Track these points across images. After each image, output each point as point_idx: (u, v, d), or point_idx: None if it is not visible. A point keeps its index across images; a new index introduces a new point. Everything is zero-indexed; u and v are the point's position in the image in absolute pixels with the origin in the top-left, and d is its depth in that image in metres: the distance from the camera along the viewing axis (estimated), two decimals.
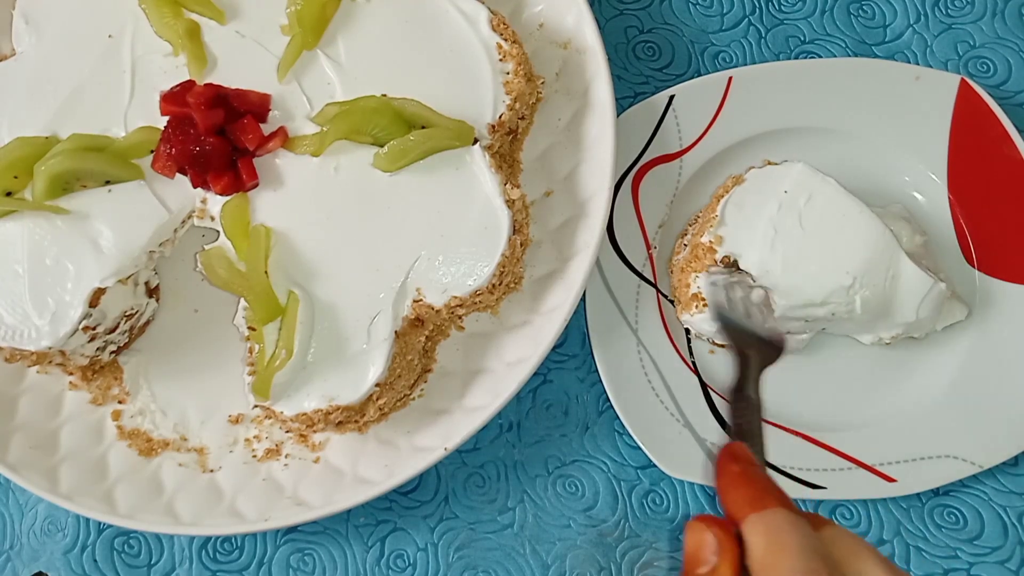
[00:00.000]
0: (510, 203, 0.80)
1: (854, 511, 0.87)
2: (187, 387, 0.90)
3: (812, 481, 0.83)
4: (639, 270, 0.90)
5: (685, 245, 0.89)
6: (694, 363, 0.89)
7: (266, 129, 0.83)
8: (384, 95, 0.83)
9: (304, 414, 0.78)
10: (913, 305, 0.81)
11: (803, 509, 0.86)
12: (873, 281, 0.80)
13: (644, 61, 1.00)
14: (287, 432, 0.87)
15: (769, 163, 0.87)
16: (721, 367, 0.89)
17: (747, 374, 0.73)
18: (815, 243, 0.81)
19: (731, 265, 0.83)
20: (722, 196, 0.85)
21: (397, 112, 0.82)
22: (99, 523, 0.90)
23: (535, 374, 0.85)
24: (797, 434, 0.85)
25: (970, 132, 0.90)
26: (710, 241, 0.83)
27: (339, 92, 0.85)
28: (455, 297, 0.80)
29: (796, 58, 0.99)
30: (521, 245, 0.81)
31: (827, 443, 0.85)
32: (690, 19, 1.01)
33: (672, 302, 0.90)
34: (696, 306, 0.84)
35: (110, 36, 0.87)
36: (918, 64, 0.98)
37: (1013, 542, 0.86)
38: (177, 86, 0.83)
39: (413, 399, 0.86)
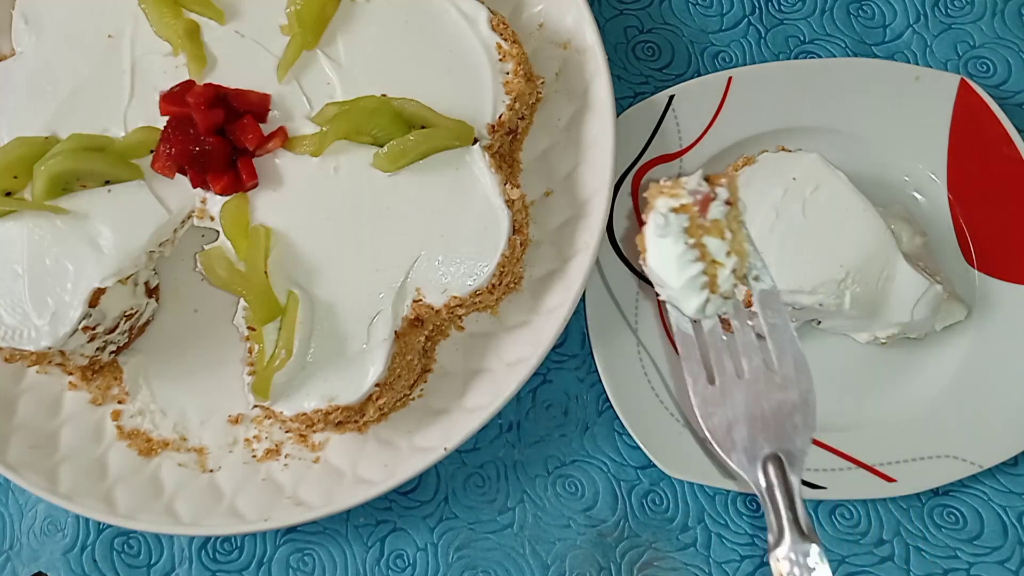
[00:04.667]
0: (510, 203, 0.80)
1: (854, 511, 0.87)
2: (187, 387, 0.90)
3: (812, 481, 0.83)
4: (639, 270, 0.90)
5: None
6: None
7: (266, 129, 0.83)
8: (384, 95, 0.83)
9: (304, 414, 0.78)
10: (908, 307, 0.81)
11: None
12: (865, 279, 0.80)
13: (644, 61, 1.00)
14: (287, 432, 0.87)
15: (783, 149, 0.87)
16: None
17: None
18: (814, 233, 0.81)
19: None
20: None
21: (397, 112, 0.82)
22: (99, 523, 0.90)
23: (535, 374, 0.85)
24: None
25: (970, 132, 0.90)
26: None
27: (339, 92, 0.85)
28: (455, 297, 0.80)
29: (796, 58, 0.99)
30: (521, 245, 0.81)
31: (827, 443, 0.85)
32: (690, 19, 1.01)
33: None
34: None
35: (110, 36, 0.87)
36: (918, 64, 0.98)
37: (1013, 542, 0.86)
38: (177, 86, 0.83)
39: (413, 399, 0.86)
